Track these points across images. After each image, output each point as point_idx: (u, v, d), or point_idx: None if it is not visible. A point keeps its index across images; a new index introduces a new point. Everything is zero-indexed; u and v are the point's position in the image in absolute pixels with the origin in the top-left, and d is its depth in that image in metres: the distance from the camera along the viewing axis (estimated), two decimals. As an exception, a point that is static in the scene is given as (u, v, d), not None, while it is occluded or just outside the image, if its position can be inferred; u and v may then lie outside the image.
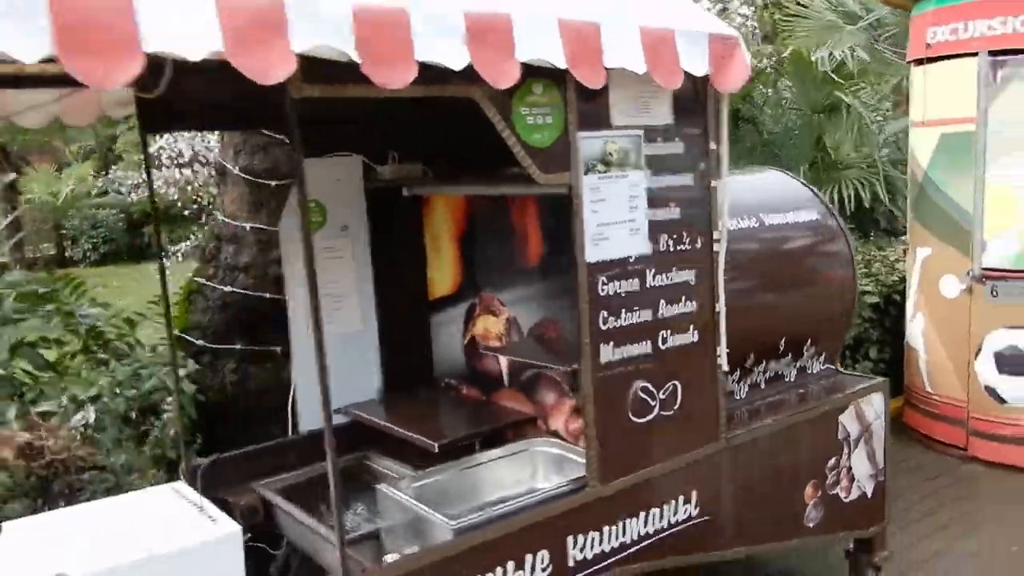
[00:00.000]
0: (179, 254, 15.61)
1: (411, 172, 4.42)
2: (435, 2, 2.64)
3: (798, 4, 11.50)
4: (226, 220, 5.32)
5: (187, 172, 16.86)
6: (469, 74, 2.65)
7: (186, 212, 16.92)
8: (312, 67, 2.37)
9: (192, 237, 16.00)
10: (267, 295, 5.14)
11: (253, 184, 5.23)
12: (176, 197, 16.54)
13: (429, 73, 2.54)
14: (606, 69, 2.96)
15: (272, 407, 4.91)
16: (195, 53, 2.10)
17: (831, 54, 9.79)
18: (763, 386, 4.17)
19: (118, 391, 4.46)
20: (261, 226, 5.20)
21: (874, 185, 8.91)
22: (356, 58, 2.37)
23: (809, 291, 4.36)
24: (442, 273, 4.48)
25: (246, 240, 5.24)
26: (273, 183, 5.20)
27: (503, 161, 3.69)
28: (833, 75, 9.67)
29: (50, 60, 1.93)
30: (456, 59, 2.59)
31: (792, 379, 4.32)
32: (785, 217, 4.19)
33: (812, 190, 4.48)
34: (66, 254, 20.54)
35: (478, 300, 4.28)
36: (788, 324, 4.18)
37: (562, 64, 2.84)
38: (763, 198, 4.25)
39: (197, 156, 16.29)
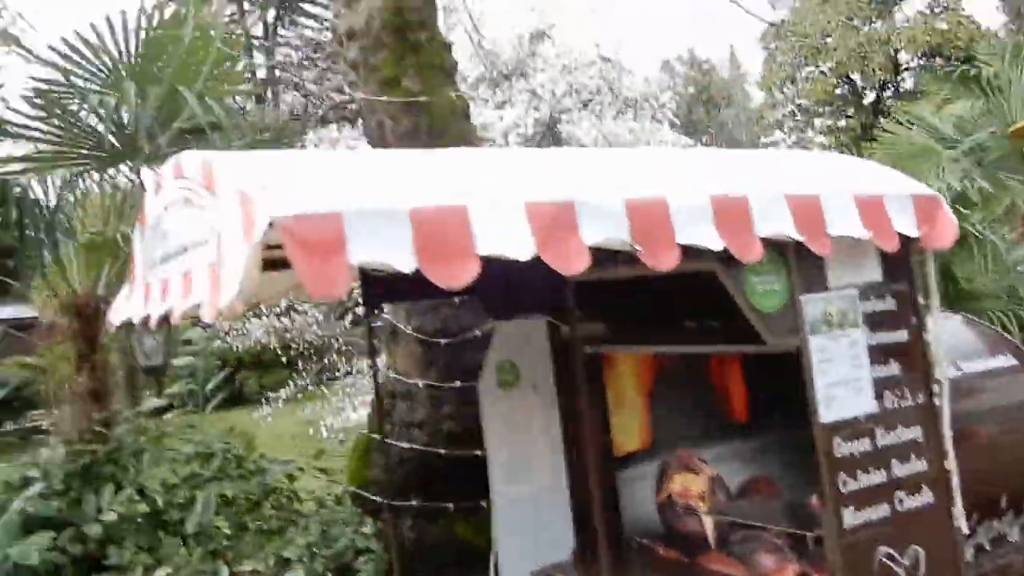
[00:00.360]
0: (280, 400, 16.14)
1: (593, 330, 4.72)
2: (684, 188, 3.02)
3: (882, 131, 11.75)
4: (399, 378, 5.67)
5: (285, 320, 17.71)
6: (711, 250, 2.99)
7: (283, 359, 17.56)
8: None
9: (291, 384, 16.57)
10: (442, 451, 5.43)
11: (424, 343, 5.60)
12: (275, 344, 17.31)
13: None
14: (829, 237, 3.26)
15: (447, 564, 5.14)
16: (521, 255, 2.47)
17: (949, 185, 9.95)
18: (987, 548, 4.12)
19: (315, 551, 4.73)
20: (433, 383, 5.54)
21: (1021, 316, 8.90)
22: (636, 247, 2.73)
23: (1025, 441, 4.36)
24: (628, 429, 4.71)
25: (419, 397, 5.58)
26: (443, 341, 5.56)
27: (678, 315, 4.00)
28: (957, 206, 9.82)
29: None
30: (713, 241, 2.93)
31: (1016, 539, 4.26)
32: (984, 363, 4.30)
33: (999, 332, 4.63)
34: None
35: (673, 457, 4.47)
36: (1008, 479, 4.17)
37: (795, 236, 3.16)
38: (951, 345, 4.35)
39: (292, 305, 17.18)
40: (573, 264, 2.58)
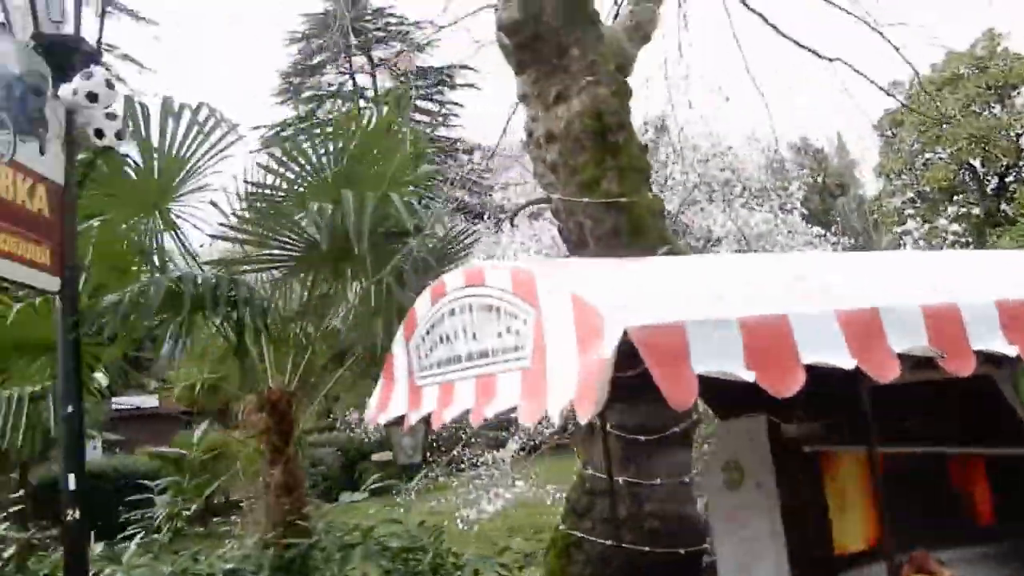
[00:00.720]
0: (412, 492, 16.35)
1: (813, 430, 4.74)
2: (970, 292, 3.08)
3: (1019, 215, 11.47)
4: (597, 474, 5.74)
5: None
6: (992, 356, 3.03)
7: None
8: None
9: (425, 477, 16.88)
10: (647, 549, 5.45)
11: (622, 439, 5.67)
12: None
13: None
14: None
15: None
16: (844, 364, 2.56)
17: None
18: None
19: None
20: (635, 480, 5.59)
21: None
22: (937, 354, 2.79)
23: None
24: (852, 528, 4.66)
25: (620, 494, 5.63)
26: (643, 438, 5.63)
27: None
28: None
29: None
30: (1004, 346, 2.97)
31: None
32: None
33: None
34: (288, 491, 21.76)
35: (907, 558, 4.40)
36: None
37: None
38: None
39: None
40: (887, 372, 2.66)
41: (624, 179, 5.73)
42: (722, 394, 4.63)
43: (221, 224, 5.92)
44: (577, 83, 5.70)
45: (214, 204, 6.14)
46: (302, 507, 6.49)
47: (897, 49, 7.73)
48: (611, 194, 5.66)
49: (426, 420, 3.65)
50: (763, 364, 2.47)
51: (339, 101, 31.47)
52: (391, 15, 31.21)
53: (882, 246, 31.43)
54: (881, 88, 9.11)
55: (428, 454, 17.58)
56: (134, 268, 5.98)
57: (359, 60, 32.26)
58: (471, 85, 32.30)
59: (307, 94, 31.63)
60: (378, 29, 31.19)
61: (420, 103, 33.28)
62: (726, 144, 17.24)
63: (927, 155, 31.22)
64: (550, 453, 16.51)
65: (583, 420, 2.45)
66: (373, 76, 32.22)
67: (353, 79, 32.40)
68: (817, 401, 4.64)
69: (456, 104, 33.02)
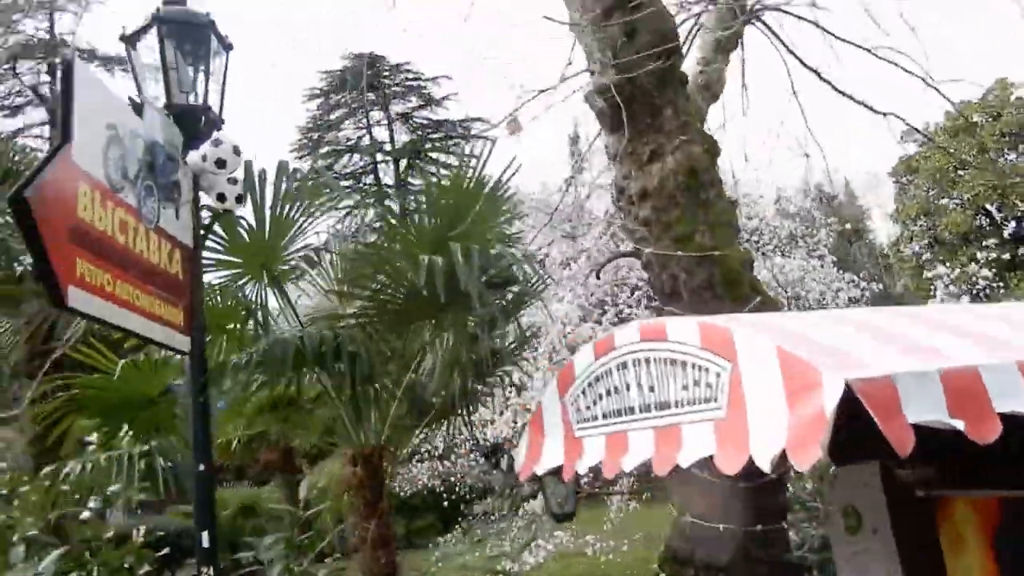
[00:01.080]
0: (452, 542, 16.50)
1: (927, 474, 4.89)
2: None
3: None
4: (696, 521, 5.89)
5: (447, 463, 18.22)
6: None
7: (444, 503, 17.94)
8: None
9: (458, 528, 16.97)
10: (754, 596, 5.60)
11: (719, 486, 5.83)
12: (439, 487, 17.76)
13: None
14: None
15: None
16: (1039, 413, 2.76)
17: None
18: None
19: None
20: (741, 527, 5.74)
21: None
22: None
23: None
24: (969, 573, 4.78)
25: (722, 540, 5.78)
26: (742, 484, 5.78)
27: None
28: None
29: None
30: None
31: None
32: None
33: None
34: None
35: (1030, 606, 4.52)
36: None
37: None
38: None
39: (453, 448, 17.79)
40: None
41: (716, 233, 5.97)
42: (836, 437, 4.81)
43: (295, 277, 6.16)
44: (671, 142, 5.96)
45: (314, 261, 6.38)
46: (395, 560, 6.63)
47: (954, 104, 8.02)
48: (704, 248, 5.89)
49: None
50: (965, 413, 2.66)
51: (356, 155, 31.96)
52: (408, 71, 31.74)
53: (897, 291, 31.67)
54: (928, 138, 9.41)
55: (457, 506, 17.64)
56: (238, 325, 6.21)
57: (375, 114, 32.74)
58: (485, 137, 32.64)
59: (325, 149, 32.10)
60: (396, 85, 31.73)
61: (436, 156, 33.68)
62: (757, 193, 17.60)
63: (943, 201, 31.57)
64: (582, 503, 16.60)
65: (802, 468, 2.64)
66: (390, 130, 32.69)
67: (371, 133, 32.86)
68: (928, 446, 4.81)
69: (473, 157, 33.32)
